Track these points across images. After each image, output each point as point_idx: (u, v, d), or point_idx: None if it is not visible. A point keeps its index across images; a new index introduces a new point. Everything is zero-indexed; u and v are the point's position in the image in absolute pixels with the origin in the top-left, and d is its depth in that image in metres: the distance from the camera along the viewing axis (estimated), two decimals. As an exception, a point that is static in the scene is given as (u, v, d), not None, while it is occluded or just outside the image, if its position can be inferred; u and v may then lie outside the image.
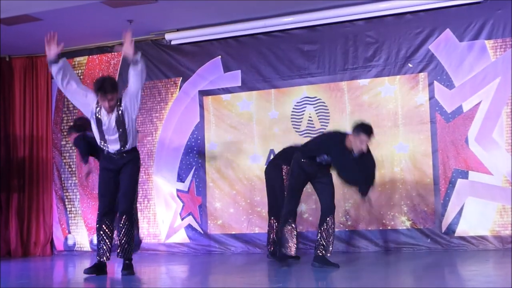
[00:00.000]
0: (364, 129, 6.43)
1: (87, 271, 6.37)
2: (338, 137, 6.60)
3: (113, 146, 6.32)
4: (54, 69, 6.09)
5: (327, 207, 6.53)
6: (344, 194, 8.38)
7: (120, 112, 6.20)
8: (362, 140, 6.38)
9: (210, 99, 9.28)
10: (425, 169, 8.28)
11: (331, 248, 6.49)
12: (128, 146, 6.34)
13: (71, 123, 8.99)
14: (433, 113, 8.27)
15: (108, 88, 6.07)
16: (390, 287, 5.24)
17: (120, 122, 6.21)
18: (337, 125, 8.63)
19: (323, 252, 6.43)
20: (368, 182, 6.57)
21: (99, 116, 6.19)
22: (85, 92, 6.23)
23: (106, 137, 6.27)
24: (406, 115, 8.40)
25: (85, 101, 6.22)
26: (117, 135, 6.26)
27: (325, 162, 6.56)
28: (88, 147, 7.60)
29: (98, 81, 6.18)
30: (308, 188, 7.04)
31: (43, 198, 10.03)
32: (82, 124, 7.94)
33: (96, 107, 6.19)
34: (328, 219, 6.47)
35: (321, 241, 6.43)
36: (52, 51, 6.07)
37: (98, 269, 6.34)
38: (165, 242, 9.29)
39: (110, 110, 6.16)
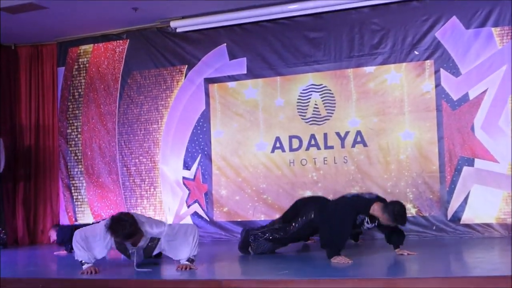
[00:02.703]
0: (400, 220, 6.21)
1: None
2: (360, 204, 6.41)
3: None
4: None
5: None
6: (349, 181, 8.42)
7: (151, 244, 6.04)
8: (390, 222, 6.22)
9: (215, 87, 9.28)
10: (431, 157, 8.28)
11: None
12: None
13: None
14: (439, 100, 8.26)
15: (131, 237, 5.76)
16: (395, 274, 5.25)
17: (148, 250, 6.09)
18: (343, 113, 8.63)
19: None
20: (400, 237, 6.48)
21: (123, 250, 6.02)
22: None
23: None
24: (412, 103, 8.38)
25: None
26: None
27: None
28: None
29: (119, 233, 5.68)
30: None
31: (49, 186, 10.07)
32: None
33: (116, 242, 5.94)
34: None
35: None
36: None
37: None
38: (171, 229, 9.31)
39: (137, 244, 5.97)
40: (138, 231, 5.77)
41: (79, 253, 5.84)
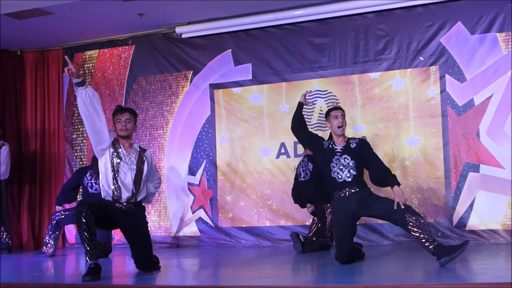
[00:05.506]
0: (329, 109, 6.68)
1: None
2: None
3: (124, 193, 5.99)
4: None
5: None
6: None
7: (141, 158, 6.10)
8: (335, 116, 6.49)
9: (220, 93, 9.29)
10: (436, 163, 8.27)
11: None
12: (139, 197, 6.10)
13: None
14: (444, 106, 8.25)
15: (126, 108, 6.18)
16: (401, 281, 5.24)
17: (140, 164, 6.07)
18: (348, 118, 8.59)
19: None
20: (386, 174, 6.33)
21: (117, 153, 5.99)
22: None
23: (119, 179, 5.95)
24: (417, 109, 8.38)
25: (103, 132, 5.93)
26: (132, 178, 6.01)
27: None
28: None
29: (116, 108, 6.20)
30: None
31: (55, 191, 10.07)
32: None
33: (112, 150, 5.98)
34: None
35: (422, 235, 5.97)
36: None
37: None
38: (176, 235, 9.32)
39: (128, 133, 6.04)
40: (134, 122, 6.17)
41: None
